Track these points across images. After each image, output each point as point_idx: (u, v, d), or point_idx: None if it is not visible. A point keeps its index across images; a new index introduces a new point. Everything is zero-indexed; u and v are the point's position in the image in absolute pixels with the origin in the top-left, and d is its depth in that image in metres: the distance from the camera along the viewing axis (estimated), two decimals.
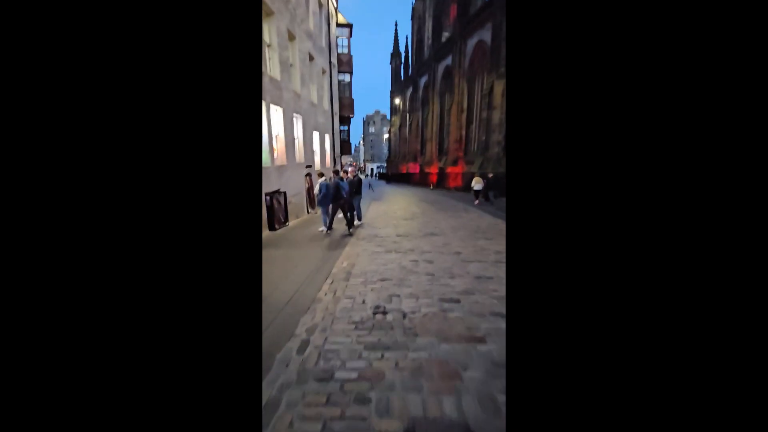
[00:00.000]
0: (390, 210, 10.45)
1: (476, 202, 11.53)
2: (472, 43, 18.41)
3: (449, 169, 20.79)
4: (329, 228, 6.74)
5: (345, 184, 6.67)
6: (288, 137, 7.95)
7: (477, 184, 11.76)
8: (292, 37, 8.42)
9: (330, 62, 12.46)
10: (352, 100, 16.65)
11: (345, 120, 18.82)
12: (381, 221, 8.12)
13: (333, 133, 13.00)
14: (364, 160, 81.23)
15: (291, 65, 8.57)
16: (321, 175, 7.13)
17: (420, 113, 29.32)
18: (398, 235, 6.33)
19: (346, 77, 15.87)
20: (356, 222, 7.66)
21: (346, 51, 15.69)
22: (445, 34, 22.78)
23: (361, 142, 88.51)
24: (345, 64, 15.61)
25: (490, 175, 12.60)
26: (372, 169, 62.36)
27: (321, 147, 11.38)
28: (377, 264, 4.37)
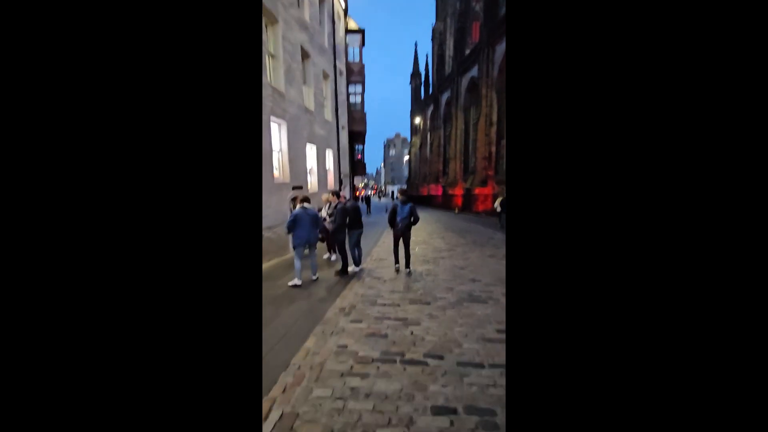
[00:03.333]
0: None
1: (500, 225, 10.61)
2: (501, 48, 16.20)
3: (477, 191, 18.04)
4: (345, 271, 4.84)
5: (404, 209, 4.86)
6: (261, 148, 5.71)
7: (501, 205, 10.76)
8: (272, 20, 6.44)
9: (335, 67, 10.54)
10: (364, 114, 14.64)
11: (358, 138, 16.83)
12: (389, 265, 5.54)
13: (339, 149, 10.83)
14: (384, 183, 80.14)
15: (272, 55, 6.54)
16: (304, 200, 4.55)
17: (442, 131, 27.15)
18: (413, 301, 3.69)
19: (358, 88, 13.98)
20: (351, 268, 5.11)
21: (357, 60, 13.91)
22: (467, 52, 20.89)
23: (382, 165, 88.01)
24: (356, 73, 13.77)
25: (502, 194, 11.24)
26: (392, 191, 60.95)
27: (321, 165, 9.16)
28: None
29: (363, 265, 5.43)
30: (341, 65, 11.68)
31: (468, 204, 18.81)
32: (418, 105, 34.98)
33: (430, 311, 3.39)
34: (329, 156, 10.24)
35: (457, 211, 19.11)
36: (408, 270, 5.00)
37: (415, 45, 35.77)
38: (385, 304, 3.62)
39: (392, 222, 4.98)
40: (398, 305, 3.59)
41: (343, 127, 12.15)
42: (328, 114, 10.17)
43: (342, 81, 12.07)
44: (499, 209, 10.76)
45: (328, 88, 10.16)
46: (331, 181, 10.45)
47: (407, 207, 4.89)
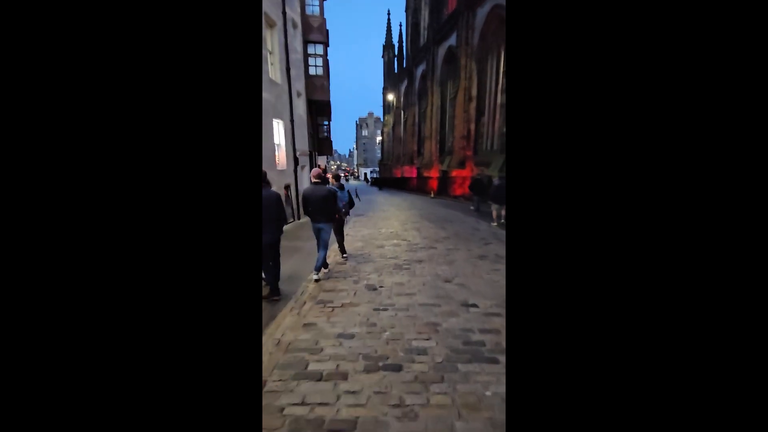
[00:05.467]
0: (374, 238, 6.26)
1: (471, 207, 10.26)
2: (483, 12, 14.46)
3: (454, 173, 16.70)
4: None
5: (344, 194, 4.82)
6: None
7: (470, 187, 10.51)
8: None
9: (285, 14, 8.33)
10: (327, 81, 12.48)
11: (322, 111, 14.66)
12: (349, 273, 3.93)
13: (292, 120, 8.80)
14: (357, 164, 77.56)
15: None
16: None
17: (417, 108, 25.34)
18: (371, 363, 2.11)
19: (318, 49, 11.73)
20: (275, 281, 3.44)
21: (317, 13, 11.59)
22: (444, 20, 18.86)
23: (355, 146, 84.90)
24: (316, 30, 11.49)
25: (478, 176, 10.79)
26: (365, 174, 59.04)
27: (266, 139, 7.16)
28: None
29: (312, 276, 3.78)
30: (294, 15, 9.43)
31: (444, 187, 17.48)
32: (391, 80, 32.65)
33: (402, 392, 1.83)
34: (278, 128, 8.22)
35: (432, 195, 17.74)
36: (345, 256, 4.85)
37: (388, 13, 32.92)
38: (320, 376, 2.01)
39: (308, 211, 4.14)
40: (345, 377, 1.99)
41: (299, 94, 10.04)
42: (275, 73, 8.06)
43: (296, 36, 9.84)
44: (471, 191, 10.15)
45: (274, 40, 7.99)
46: (282, 159, 8.48)
47: (345, 193, 4.89)
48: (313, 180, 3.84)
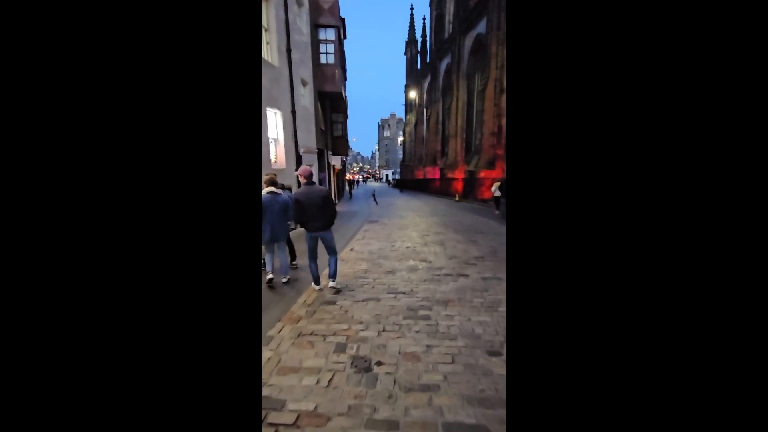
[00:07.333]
0: (385, 256, 4.77)
1: (496, 212, 9.47)
2: None
3: (482, 174, 14.87)
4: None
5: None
6: None
7: (498, 189, 9.40)
8: None
9: None
10: (341, 71, 11.16)
11: (336, 105, 13.41)
12: (334, 325, 2.48)
13: (294, 112, 7.51)
14: (378, 166, 76.61)
15: None
16: (271, 183, 3.48)
17: (441, 104, 23.61)
18: None
19: (330, 33, 10.44)
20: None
21: None
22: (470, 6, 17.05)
23: (377, 148, 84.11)
24: (327, 12, 10.22)
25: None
26: (386, 176, 57.89)
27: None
28: None
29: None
30: None
31: (471, 190, 15.67)
32: (413, 77, 31.12)
33: None
34: (275, 119, 6.94)
35: (457, 198, 15.97)
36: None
37: (411, 8, 31.43)
38: None
39: (302, 219, 3.19)
40: None
41: (304, 83, 8.77)
42: (271, 54, 6.79)
43: (302, 15, 8.58)
44: (498, 194, 9.27)
45: (270, 15, 6.73)
46: (281, 156, 7.20)
47: (287, 199, 3.98)
48: (302, 180, 3.13)
